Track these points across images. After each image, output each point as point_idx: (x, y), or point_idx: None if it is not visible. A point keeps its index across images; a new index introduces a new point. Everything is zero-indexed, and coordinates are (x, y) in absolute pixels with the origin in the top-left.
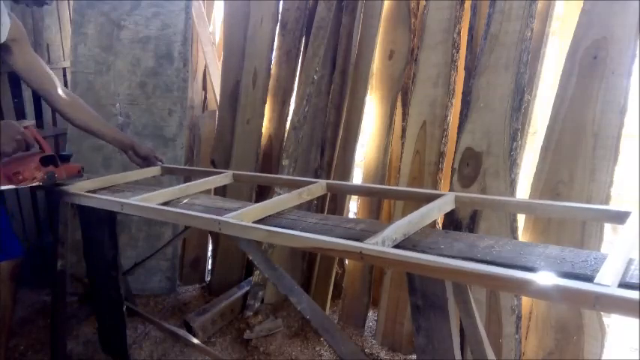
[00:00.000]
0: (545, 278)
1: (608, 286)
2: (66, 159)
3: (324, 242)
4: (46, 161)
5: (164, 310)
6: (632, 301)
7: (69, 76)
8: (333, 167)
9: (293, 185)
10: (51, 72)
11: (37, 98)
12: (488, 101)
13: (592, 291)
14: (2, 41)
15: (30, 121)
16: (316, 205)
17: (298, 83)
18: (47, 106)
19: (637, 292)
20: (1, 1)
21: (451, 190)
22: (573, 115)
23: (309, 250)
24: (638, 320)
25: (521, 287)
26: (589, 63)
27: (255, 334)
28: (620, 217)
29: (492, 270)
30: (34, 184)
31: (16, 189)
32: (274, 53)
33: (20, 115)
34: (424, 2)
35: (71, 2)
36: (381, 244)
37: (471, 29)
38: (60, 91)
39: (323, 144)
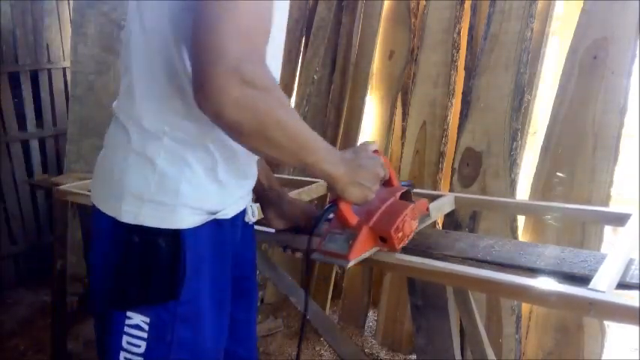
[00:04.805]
0: (543, 284)
1: (604, 292)
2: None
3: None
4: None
5: None
6: (627, 308)
7: (69, 76)
8: None
9: (293, 185)
10: None
11: (38, 98)
12: (489, 101)
13: (586, 297)
14: None
15: (372, 142)
16: (316, 205)
17: (298, 83)
18: (47, 106)
19: (633, 299)
20: None
21: (451, 190)
22: (573, 115)
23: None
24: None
25: (519, 293)
26: (589, 63)
27: None
28: (620, 219)
29: (490, 275)
30: (404, 243)
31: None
32: None
33: (20, 115)
34: (424, 2)
35: (71, 2)
36: None
37: (471, 29)
38: None
39: None
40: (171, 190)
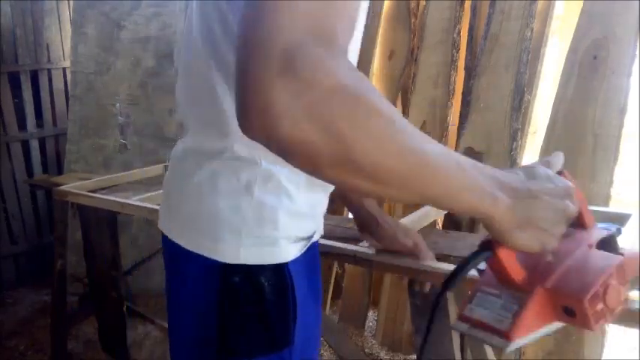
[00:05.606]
0: None
1: None
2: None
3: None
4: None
5: (164, 310)
6: (626, 309)
7: (69, 76)
8: None
9: None
10: None
11: (38, 98)
12: (489, 101)
13: None
14: None
15: (558, 154)
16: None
17: None
18: (47, 106)
19: (632, 301)
20: None
21: None
22: (573, 115)
23: None
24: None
25: None
26: (589, 63)
27: None
28: (620, 219)
29: None
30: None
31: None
32: None
33: (20, 115)
34: (424, 2)
35: (71, 2)
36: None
37: (470, 29)
38: None
39: None
40: (270, 220)
